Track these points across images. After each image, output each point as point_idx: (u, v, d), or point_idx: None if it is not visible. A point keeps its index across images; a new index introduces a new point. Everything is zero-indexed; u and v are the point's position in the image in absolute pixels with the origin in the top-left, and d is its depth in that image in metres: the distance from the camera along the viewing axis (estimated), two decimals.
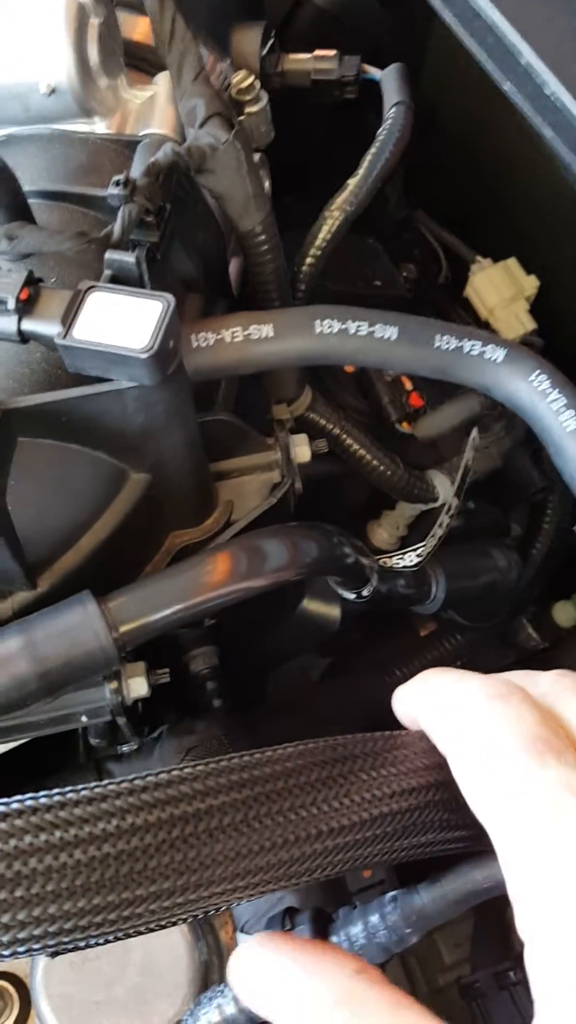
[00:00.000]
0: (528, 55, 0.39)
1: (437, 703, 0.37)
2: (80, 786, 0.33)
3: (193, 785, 0.34)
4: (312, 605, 0.82)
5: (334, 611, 0.82)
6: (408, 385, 0.86)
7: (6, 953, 0.30)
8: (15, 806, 0.31)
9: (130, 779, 0.33)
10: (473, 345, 0.58)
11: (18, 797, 0.32)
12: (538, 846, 0.29)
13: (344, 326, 0.58)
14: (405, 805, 0.37)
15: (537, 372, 0.56)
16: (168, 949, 0.58)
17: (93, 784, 0.33)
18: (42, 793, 0.32)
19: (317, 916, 0.40)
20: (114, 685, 0.53)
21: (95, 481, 0.54)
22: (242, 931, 0.58)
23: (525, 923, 0.29)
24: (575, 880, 0.28)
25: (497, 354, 0.58)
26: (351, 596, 0.68)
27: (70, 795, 0.32)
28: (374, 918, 0.39)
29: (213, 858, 0.33)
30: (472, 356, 0.58)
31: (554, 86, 0.39)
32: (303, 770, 0.36)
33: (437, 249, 1.04)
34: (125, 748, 0.64)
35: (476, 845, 0.39)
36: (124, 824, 0.32)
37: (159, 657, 0.56)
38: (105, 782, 0.33)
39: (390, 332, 0.58)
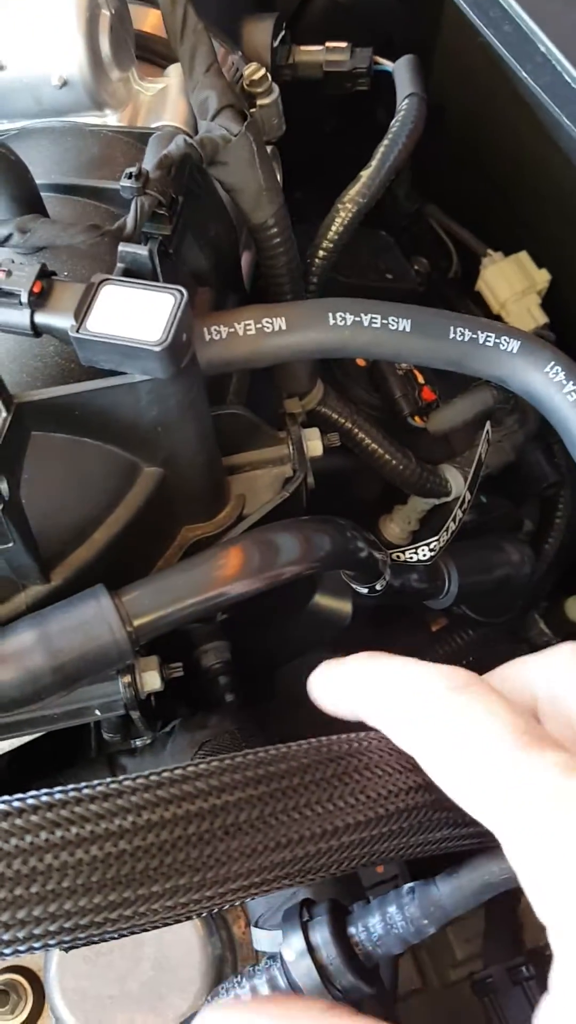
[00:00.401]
0: (547, 43, 0.39)
1: (388, 698, 0.35)
2: (95, 782, 0.33)
3: (209, 781, 0.33)
4: (324, 600, 0.82)
5: (346, 606, 0.82)
6: (420, 379, 0.86)
7: (22, 948, 0.30)
8: (31, 802, 0.31)
9: (145, 775, 0.33)
10: (488, 336, 0.58)
11: (33, 793, 0.32)
12: (548, 834, 0.29)
13: (358, 318, 0.58)
14: (421, 800, 0.36)
15: (553, 363, 0.56)
16: (181, 944, 0.58)
17: (108, 780, 0.33)
18: (57, 789, 0.32)
19: (334, 907, 0.40)
20: (127, 679, 0.53)
21: (108, 475, 0.54)
22: (256, 925, 0.57)
23: (545, 910, 0.29)
24: None
25: (512, 345, 0.57)
26: (364, 590, 0.68)
27: (85, 791, 0.32)
28: (392, 909, 0.39)
29: (229, 855, 0.32)
30: (487, 347, 0.58)
31: (575, 73, 0.38)
32: (318, 766, 0.36)
33: (447, 243, 1.03)
34: (138, 742, 0.64)
35: (492, 840, 0.38)
36: (140, 820, 0.32)
37: (171, 652, 0.56)
38: (120, 778, 0.33)
39: (404, 324, 0.58)
